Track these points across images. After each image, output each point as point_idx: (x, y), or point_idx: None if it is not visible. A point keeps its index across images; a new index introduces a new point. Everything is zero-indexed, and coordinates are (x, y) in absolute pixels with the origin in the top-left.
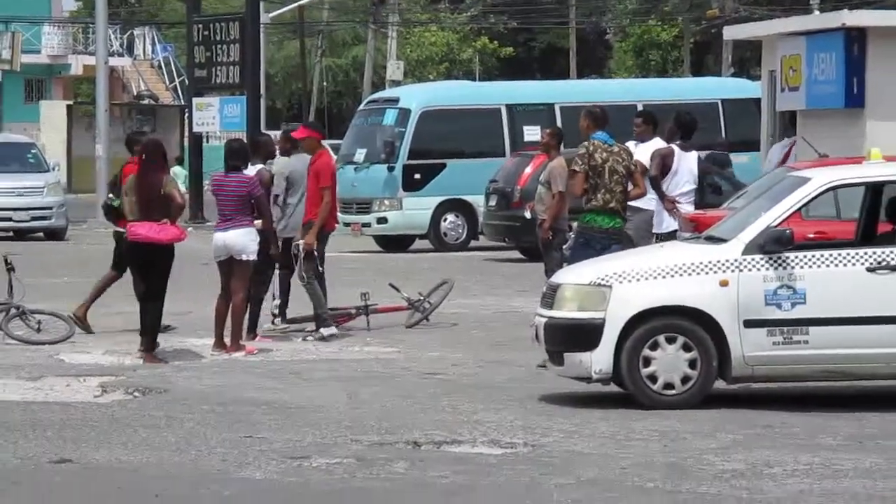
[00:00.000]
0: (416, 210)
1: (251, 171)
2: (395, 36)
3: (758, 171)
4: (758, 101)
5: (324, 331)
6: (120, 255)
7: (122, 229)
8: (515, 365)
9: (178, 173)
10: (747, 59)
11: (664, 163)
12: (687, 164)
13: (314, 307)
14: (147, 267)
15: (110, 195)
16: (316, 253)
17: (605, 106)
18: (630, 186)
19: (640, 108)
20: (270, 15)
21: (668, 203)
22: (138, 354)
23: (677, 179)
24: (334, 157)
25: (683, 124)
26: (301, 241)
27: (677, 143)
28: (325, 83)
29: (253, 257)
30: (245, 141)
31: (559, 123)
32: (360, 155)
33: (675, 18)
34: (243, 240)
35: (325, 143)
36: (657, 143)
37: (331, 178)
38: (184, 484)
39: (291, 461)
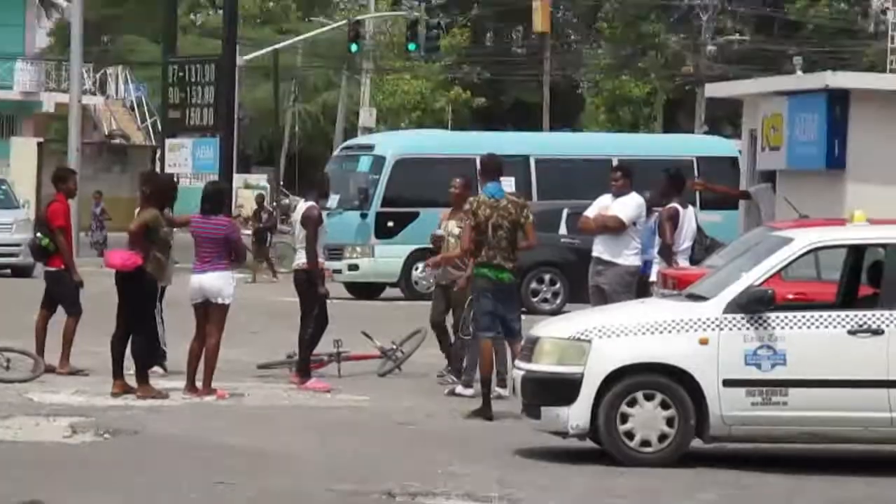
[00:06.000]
0: (387, 258)
1: (306, 205)
2: (369, 83)
3: (732, 231)
4: (733, 159)
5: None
6: (49, 295)
7: (52, 268)
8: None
9: None
10: (719, 119)
11: (675, 223)
12: (689, 220)
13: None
14: (120, 294)
15: (38, 234)
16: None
17: (580, 159)
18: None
19: (615, 162)
20: (245, 58)
21: (673, 262)
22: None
23: (682, 236)
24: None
25: (676, 180)
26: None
27: (676, 200)
28: (296, 129)
29: (229, 300)
30: (221, 184)
31: (534, 176)
32: (333, 201)
33: (648, 75)
34: (219, 283)
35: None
36: (634, 197)
37: None
38: None
39: None
